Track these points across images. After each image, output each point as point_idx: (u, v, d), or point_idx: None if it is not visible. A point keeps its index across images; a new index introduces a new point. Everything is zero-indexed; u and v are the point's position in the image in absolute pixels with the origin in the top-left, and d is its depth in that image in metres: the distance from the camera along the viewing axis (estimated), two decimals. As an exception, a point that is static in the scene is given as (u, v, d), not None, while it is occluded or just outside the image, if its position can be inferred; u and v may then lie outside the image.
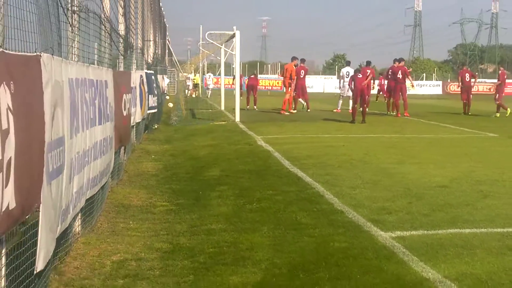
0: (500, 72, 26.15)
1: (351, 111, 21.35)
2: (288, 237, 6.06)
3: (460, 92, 26.96)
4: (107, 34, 7.35)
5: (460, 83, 26.46)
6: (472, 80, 26.39)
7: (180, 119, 21.58)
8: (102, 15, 7.27)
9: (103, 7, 7.34)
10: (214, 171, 10.44)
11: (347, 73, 26.35)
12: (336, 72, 76.25)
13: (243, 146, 13.75)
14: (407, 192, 8.24)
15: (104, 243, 5.87)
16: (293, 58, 25.61)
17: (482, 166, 10.64)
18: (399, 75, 24.48)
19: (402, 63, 25.44)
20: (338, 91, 28.85)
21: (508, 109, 24.41)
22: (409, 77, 25.35)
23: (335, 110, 27.54)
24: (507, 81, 26.72)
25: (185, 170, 10.69)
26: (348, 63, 30.22)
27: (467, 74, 26.37)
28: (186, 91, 44.75)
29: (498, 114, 24.58)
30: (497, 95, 25.29)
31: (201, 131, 17.58)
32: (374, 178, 9.33)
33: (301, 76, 26.51)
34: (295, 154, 12.28)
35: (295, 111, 25.34)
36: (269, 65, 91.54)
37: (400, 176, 9.60)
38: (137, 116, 12.92)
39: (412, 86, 25.53)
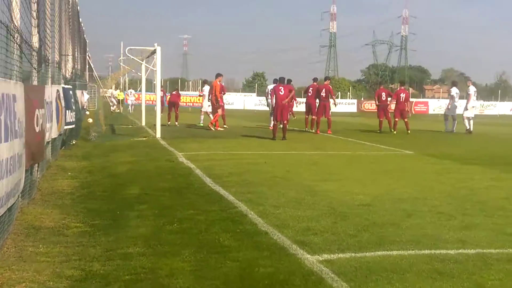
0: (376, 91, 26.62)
1: (271, 127, 21.07)
2: (211, 262, 5.54)
3: (376, 110, 27.09)
4: (16, 45, 6.65)
5: (377, 102, 26.61)
6: (389, 98, 26.55)
7: (100, 135, 20.71)
8: (12, 26, 6.59)
9: (11, 17, 6.65)
10: (133, 189, 9.81)
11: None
12: (256, 90, 76.66)
13: (164, 163, 13.14)
14: (331, 211, 7.87)
15: (8, 270, 5.20)
16: (218, 75, 25.31)
17: (403, 184, 10.44)
18: (323, 93, 24.42)
19: (327, 82, 25.44)
20: (260, 108, 28.74)
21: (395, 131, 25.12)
22: (333, 96, 25.33)
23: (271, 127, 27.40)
24: (413, 99, 27.02)
25: (103, 188, 10.01)
26: (275, 81, 30.09)
27: (383, 93, 26.45)
28: (110, 107, 43.68)
29: (394, 132, 25.25)
30: (395, 112, 25.82)
31: (121, 147, 16.84)
32: (298, 196, 8.94)
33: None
34: (217, 171, 11.79)
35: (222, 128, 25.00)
36: (190, 82, 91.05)
37: (323, 194, 9.24)
38: (53, 132, 12.17)
39: (335, 104, 25.49)
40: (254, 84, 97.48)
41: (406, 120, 25.24)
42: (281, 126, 20.25)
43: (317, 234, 6.55)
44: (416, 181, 10.79)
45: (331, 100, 24.79)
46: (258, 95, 69.12)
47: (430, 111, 62.62)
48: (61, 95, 13.82)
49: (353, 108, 66.06)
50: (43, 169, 10.84)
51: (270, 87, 28.11)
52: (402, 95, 25.64)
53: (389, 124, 25.65)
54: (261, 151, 16.21)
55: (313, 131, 24.56)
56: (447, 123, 27.26)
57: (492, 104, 71.62)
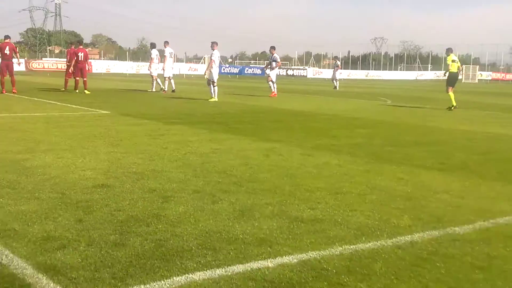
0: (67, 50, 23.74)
1: None
2: None
3: (65, 70, 23.58)
4: None
5: (70, 62, 23.07)
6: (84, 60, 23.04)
7: None
8: None
9: None
10: None
11: None
12: None
13: None
14: (64, 199, 5.22)
15: None
16: None
17: (124, 151, 8.07)
18: (7, 51, 20.07)
19: (8, 40, 21.01)
20: None
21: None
22: (17, 54, 20.99)
23: None
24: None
25: None
26: None
27: (81, 53, 22.91)
28: None
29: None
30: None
31: None
32: (9, 178, 6.02)
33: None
34: None
35: None
36: None
37: (41, 172, 6.42)
38: None
39: (19, 63, 21.39)
40: None
41: (85, 79, 22.37)
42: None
43: (66, 246, 3.95)
44: (136, 147, 8.48)
45: (15, 60, 20.65)
46: None
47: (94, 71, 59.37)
48: None
49: (22, 68, 59.31)
50: None
51: None
52: (81, 54, 22.62)
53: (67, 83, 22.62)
54: None
55: None
56: (154, 83, 25.27)
57: (146, 65, 71.40)
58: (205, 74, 20.35)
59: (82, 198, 5.26)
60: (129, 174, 6.43)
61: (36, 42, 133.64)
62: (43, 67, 60.69)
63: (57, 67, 60.85)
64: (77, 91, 21.96)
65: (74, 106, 15.53)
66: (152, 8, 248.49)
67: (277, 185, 6.10)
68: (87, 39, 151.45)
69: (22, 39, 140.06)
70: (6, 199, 5.13)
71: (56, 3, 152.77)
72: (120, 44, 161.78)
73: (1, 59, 20.33)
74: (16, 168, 6.61)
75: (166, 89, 24.54)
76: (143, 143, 8.98)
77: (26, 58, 67.66)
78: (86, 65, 22.92)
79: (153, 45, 25.57)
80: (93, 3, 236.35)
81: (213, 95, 19.71)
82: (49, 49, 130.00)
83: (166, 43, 25.03)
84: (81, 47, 23.60)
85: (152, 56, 25.24)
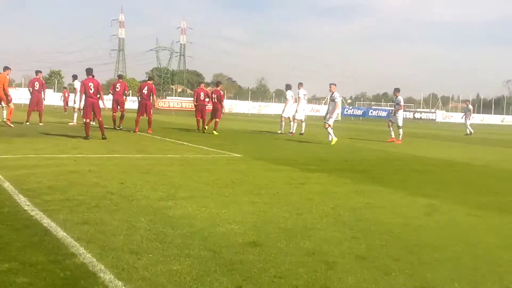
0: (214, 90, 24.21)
1: (75, 124, 17.10)
2: None
3: (194, 110, 24.22)
4: None
5: (195, 102, 23.80)
6: (207, 99, 23.79)
7: None
8: None
9: None
10: None
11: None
12: (56, 87, 70.77)
13: (-39, 173, 9.17)
14: (217, 259, 4.85)
15: None
16: (5, 68, 20.76)
17: (269, 202, 7.68)
18: (145, 91, 20.97)
19: (151, 82, 21.91)
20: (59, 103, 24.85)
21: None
22: (154, 96, 21.77)
23: (71, 123, 23.31)
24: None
25: None
26: (75, 77, 26.13)
27: (202, 92, 23.74)
28: None
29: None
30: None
31: None
32: (154, 229, 5.79)
33: (36, 88, 22.48)
34: (33, 184, 8.20)
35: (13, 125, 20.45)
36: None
37: (185, 223, 6.18)
38: None
39: (154, 105, 22.32)
40: (52, 80, 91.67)
41: (217, 120, 22.73)
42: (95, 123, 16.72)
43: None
44: (279, 198, 8.07)
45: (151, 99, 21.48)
46: (56, 91, 64.23)
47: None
48: None
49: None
50: None
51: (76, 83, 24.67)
52: (214, 96, 22.99)
53: (203, 124, 23.01)
54: (78, 153, 12.56)
55: (120, 128, 21.32)
56: (282, 125, 25.08)
57: (267, 105, 72.64)
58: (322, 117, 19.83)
59: (235, 259, 4.87)
60: (279, 231, 5.99)
61: (161, 81, 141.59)
62: (168, 106, 63.38)
63: (182, 106, 63.44)
64: (204, 131, 22.36)
65: (205, 148, 15.61)
66: (271, 47, 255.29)
67: (459, 254, 5.35)
68: (208, 78, 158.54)
69: (147, 78, 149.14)
70: (157, 255, 4.86)
71: (181, 44, 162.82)
72: (240, 84, 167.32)
73: (140, 98, 21.23)
74: (160, 217, 6.42)
75: (293, 131, 24.32)
76: (285, 192, 8.56)
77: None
78: (221, 106, 23.08)
79: (288, 87, 25.46)
80: (215, 44, 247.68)
81: (332, 137, 19.15)
82: (172, 87, 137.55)
83: (300, 84, 24.90)
84: (217, 88, 23.84)
85: (287, 97, 25.17)
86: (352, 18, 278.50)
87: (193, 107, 25.00)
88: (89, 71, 16.91)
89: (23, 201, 7.00)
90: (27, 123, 22.00)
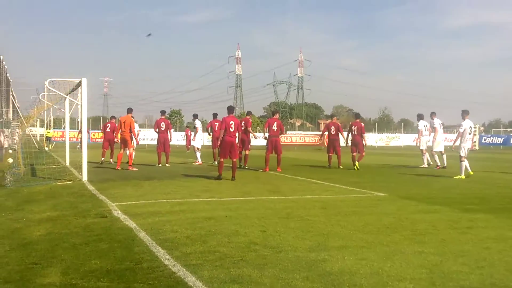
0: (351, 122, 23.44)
1: (220, 161, 16.85)
2: None
3: (326, 145, 23.66)
4: None
5: (326, 136, 23.27)
6: (339, 133, 23.19)
7: (17, 178, 16.09)
8: None
9: None
10: (52, 274, 5.85)
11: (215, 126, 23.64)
12: (177, 126, 73.38)
13: (95, 220, 9.11)
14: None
15: None
16: (129, 110, 21.20)
17: (438, 253, 6.76)
18: (275, 127, 20.61)
19: (276, 116, 21.58)
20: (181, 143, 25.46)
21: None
22: (283, 130, 21.52)
23: (196, 164, 23.55)
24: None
25: (6, 272, 5.92)
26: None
27: (333, 127, 23.15)
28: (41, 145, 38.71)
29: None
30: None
31: (40, 196, 12.53)
32: (315, 290, 5.14)
33: (162, 129, 23.02)
34: (169, 234, 7.88)
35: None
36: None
37: (348, 281, 5.45)
38: None
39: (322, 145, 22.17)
40: (174, 120, 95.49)
41: (359, 154, 21.87)
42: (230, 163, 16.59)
43: None
44: (448, 246, 7.14)
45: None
46: (177, 130, 66.48)
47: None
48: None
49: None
50: None
51: (198, 123, 25.06)
52: (354, 128, 22.09)
53: (338, 160, 22.33)
54: (210, 197, 12.28)
55: (245, 167, 21.07)
56: (424, 158, 23.80)
57: (396, 136, 70.35)
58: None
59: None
60: (469, 292, 5.10)
61: (279, 115, 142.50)
62: (291, 141, 63.32)
63: (304, 140, 63.12)
64: (341, 167, 21.65)
65: (343, 187, 14.84)
66: (393, 75, 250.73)
67: None
68: (327, 111, 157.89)
69: (265, 113, 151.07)
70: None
71: (298, 77, 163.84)
72: (362, 116, 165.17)
73: (268, 135, 20.84)
74: (316, 273, 5.75)
75: (439, 164, 22.86)
76: (453, 239, 7.60)
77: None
78: (362, 139, 22.15)
79: (420, 117, 24.18)
80: (334, 75, 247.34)
81: (467, 170, 17.56)
82: (290, 121, 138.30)
83: (433, 114, 23.51)
84: (357, 120, 22.92)
85: (419, 128, 23.89)
86: (479, 40, 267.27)
87: (317, 141, 24.39)
88: (230, 110, 16.88)
89: (162, 254, 6.64)
90: (159, 165, 22.39)
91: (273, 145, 20.52)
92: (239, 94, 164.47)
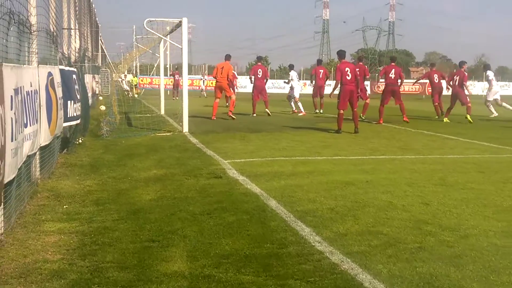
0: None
1: (339, 112, 15.17)
2: None
3: (431, 94, 21.68)
4: None
5: (430, 84, 21.36)
6: (442, 81, 21.27)
7: (113, 128, 15.11)
8: None
9: None
10: (176, 258, 4.69)
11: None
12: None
13: (209, 182, 7.88)
14: None
15: None
16: (228, 57, 19.71)
17: None
18: (392, 75, 18.57)
19: (361, 63, 19.69)
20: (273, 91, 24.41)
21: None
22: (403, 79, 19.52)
23: (300, 114, 22.10)
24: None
25: (120, 253, 4.72)
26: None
27: (435, 74, 21.19)
28: (126, 93, 38.28)
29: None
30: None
31: (141, 148, 11.48)
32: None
33: (259, 76, 21.41)
34: (307, 204, 6.50)
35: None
36: (194, 67, 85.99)
37: None
38: (41, 138, 7.27)
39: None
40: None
41: (469, 105, 19.61)
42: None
43: None
44: None
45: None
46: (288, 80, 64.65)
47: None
48: (58, 80, 8.69)
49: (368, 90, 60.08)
50: (19, 205, 5.72)
51: (293, 74, 23.72)
52: (456, 78, 19.69)
53: (438, 110, 20.68)
54: (334, 155, 10.80)
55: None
56: (490, 108, 21.68)
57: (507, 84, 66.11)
58: None
59: None
60: None
61: (367, 62, 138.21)
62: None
63: (404, 89, 60.16)
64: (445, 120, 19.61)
65: (483, 143, 12.94)
66: (491, 19, 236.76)
67: None
68: (419, 58, 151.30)
69: (353, 60, 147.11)
70: None
71: (390, 22, 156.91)
72: (455, 62, 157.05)
73: (385, 83, 19.04)
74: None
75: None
76: None
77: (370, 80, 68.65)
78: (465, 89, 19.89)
79: (488, 67, 21.82)
80: (427, 20, 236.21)
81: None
82: (378, 69, 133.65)
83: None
84: (461, 69, 20.22)
85: (490, 78, 21.37)
86: None
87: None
88: (341, 54, 15.23)
89: (309, 234, 5.28)
90: (254, 115, 21.16)
91: (390, 95, 18.52)
92: (326, 41, 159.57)
